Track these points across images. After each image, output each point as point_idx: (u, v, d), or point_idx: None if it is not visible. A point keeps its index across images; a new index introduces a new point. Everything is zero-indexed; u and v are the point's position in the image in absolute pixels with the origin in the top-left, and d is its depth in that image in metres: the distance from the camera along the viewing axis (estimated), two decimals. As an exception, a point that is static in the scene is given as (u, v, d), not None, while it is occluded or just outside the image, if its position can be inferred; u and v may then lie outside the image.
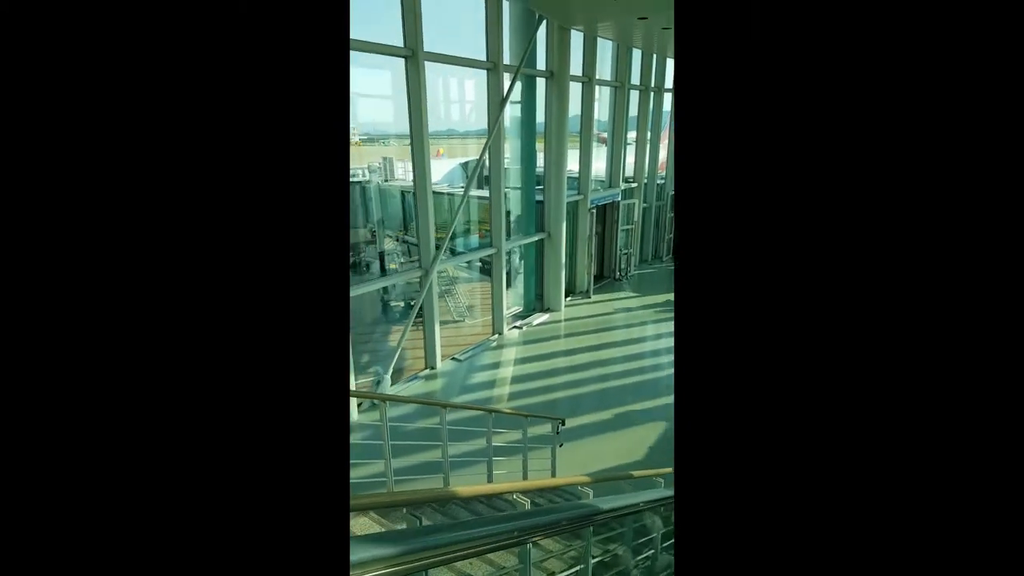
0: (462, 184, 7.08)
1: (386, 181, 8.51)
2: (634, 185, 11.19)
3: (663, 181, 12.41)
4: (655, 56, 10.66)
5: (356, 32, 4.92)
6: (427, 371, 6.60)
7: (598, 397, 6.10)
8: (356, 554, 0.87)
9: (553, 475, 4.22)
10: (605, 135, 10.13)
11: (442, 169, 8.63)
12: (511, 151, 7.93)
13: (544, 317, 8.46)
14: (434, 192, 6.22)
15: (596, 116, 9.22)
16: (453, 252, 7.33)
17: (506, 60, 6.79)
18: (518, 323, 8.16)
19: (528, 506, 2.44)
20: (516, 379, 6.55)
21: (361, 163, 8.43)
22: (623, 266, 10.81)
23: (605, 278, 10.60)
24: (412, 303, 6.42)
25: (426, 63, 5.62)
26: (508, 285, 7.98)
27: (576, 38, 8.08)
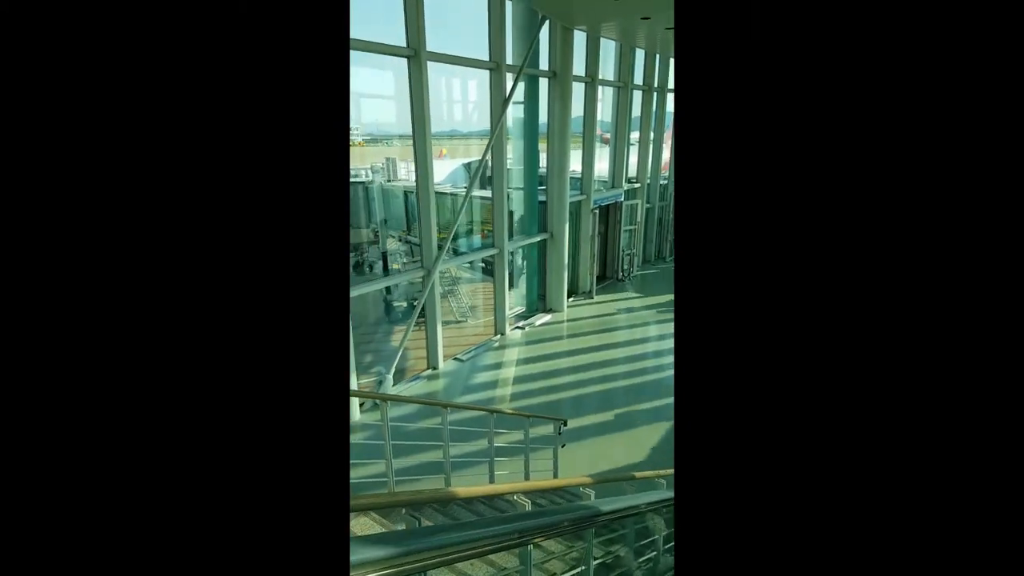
0: (465, 184, 7.08)
1: (389, 181, 8.53)
2: (637, 185, 11.17)
3: (666, 181, 12.39)
4: (658, 56, 10.65)
5: (359, 32, 4.94)
6: (429, 371, 6.60)
7: (601, 398, 6.09)
8: (355, 554, 0.87)
9: (555, 476, 4.21)
10: (608, 135, 10.12)
11: (445, 169, 8.65)
12: (514, 151, 7.93)
13: (546, 317, 8.45)
14: (437, 192, 6.23)
15: (599, 116, 9.22)
16: (456, 252, 7.33)
17: (509, 60, 6.79)
18: (520, 323, 8.15)
19: (529, 507, 2.43)
20: (518, 379, 6.55)
21: (364, 163, 8.46)
22: (626, 266, 10.80)
23: (608, 278, 10.59)
24: (415, 303, 6.43)
25: (429, 63, 5.63)
26: (510, 285, 7.98)
27: (579, 38, 8.08)
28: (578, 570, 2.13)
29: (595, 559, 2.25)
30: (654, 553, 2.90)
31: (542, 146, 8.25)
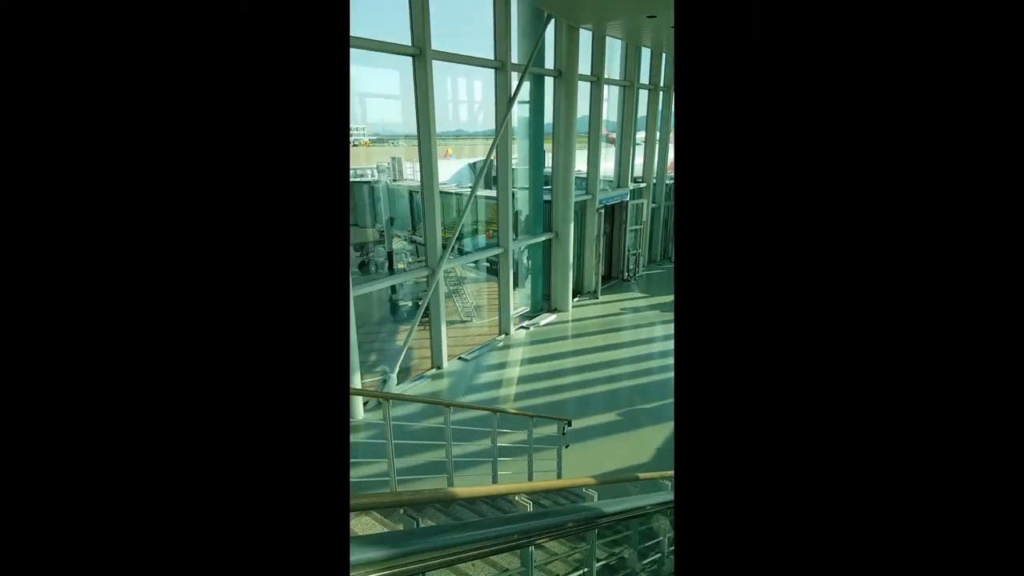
0: (470, 184, 7.10)
1: (395, 181, 8.56)
2: (643, 185, 11.13)
3: (672, 181, 12.34)
4: (664, 55, 10.59)
5: (365, 30, 4.95)
6: (433, 370, 6.62)
7: (605, 398, 6.08)
8: (355, 554, 0.87)
9: (559, 476, 4.20)
10: (614, 135, 10.09)
11: (451, 169, 8.67)
12: (519, 151, 7.93)
13: (551, 317, 8.44)
14: (442, 192, 6.24)
15: (605, 116, 9.19)
16: (460, 252, 7.34)
17: (514, 59, 6.78)
18: (525, 323, 8.15)
19: (530, 508, 2.43)
20: (522, 379, 6.54)
21: (370, 163, 8.50)
22: (631, 266, 10.76)
23: (613, 278, 10.56)
24: (420, 303, 6.45)
25: (435, 64, 5.64)
26: (515, 285, 7.98)
27: (585, 37, 8.06)
28: (581, 572, 2.13)
29: (599, 560, 2.25)
30: (658, 555, 2.89)
31: (547, 146, 8.24)
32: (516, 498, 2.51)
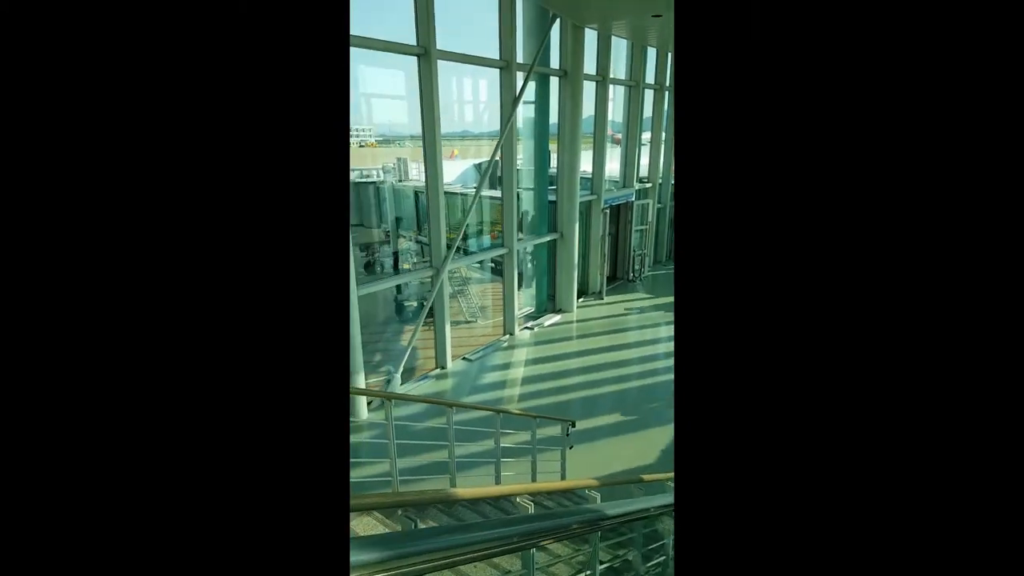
0: (476, 185, 7.11)
1: (400, 181, 8.60)
2: (648, 185, 11.08)
3: (678, 181, 12.25)
4: (670, 55, 10.54)
5: (370, 30, 4.97)
6: (437, 371, 6.63)
7: (610, 399, 6.06)
8: (355, 555, 0.87)
9: (563, 478, 4.19)
10: (620, 136, 10.06)
11: (456, 170, 8.69)
12: (524, 151, 7.93)
13: (556, 318, 8.43)
14: (447, 192, 6.25)
15: (610, 116, 9.16)
16: (465, 252, 7.35)
17: (519, 59, 6.78)
18: (530, 324, 8.14)
19: (532, 510, 2.42)
20: (527, 380, 6.54)
21: (376, 164, 8.54)
22: (636, 267, 10.72)
23: (618, 279, 10.53)
24: (425, 303, 6.47)
25: (442, 65, 5.65)
26: (520, 285, 7.98)
27: (590, 36, 8.04)
28: (584, 574, 2.12)
29: (602, 563, 2.23)
30: (663, 557, 2.87)
31: (553, 146, 8.23)
32: (517, 500, 2.51)
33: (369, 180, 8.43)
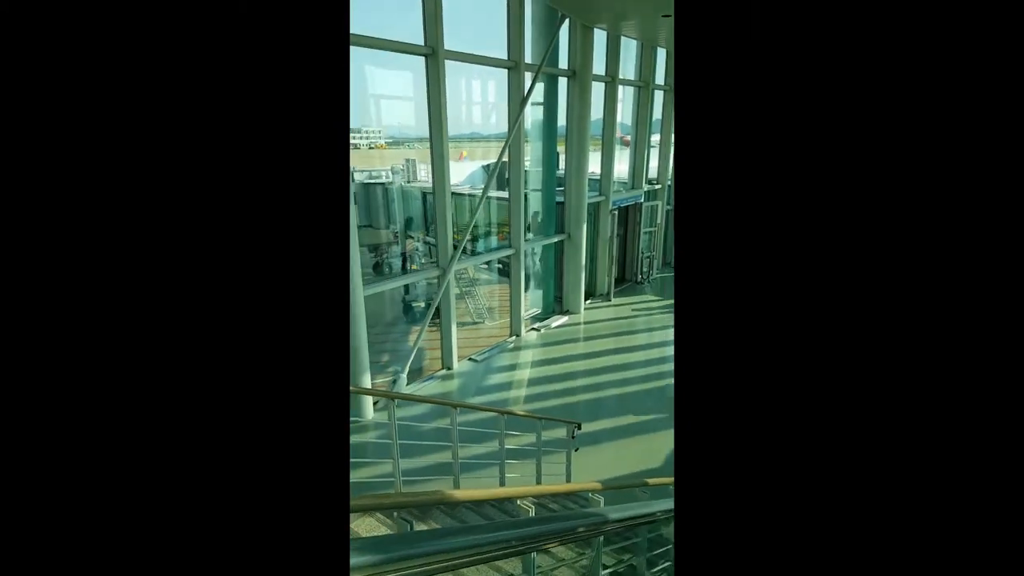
0: (483, 186, 7.13)
1: (408, 182, 8.63)
2: (657, 187, 11.01)
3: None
4: (681, 55, 10.45)
5: (377, 30, 4.99)
6: (443, 371, 6.64)
7: (616, 402, 6.02)
8: (354, 557, 0.86)
9: (568, 480, 4.17)
10: (628, 138, 10.01)
11: (465, 171, 8.71)
12: (532, 152, 7.93)
13: (563, 319, 8.40)
14: (454, 193, 6.27)
15: (619, 118, 9.12)
16: (472, 253, 7.36)
17: (528, 59, 6.78)
18: (536, 325, 8.13)
19: (532, 513, 2.41)
20: (533, 381, 6.52)
21: (385, 165, 8.59)
22: (645, 269, 10.66)
23: (626, 281, 10.47)
24: (432, 303, 6.48)
25: (448, 64, 5.67)
26: (527, 287, 7.96)
27: (599, 37, 8.01)
28: (587, 578, 2.10)
29: (605, 568, 2.21)
30: (668, 563, 2.84)
31: (560, 148, 8.21)
32: (519, 503, 2.49)
33: (378, 181, 8.48)
